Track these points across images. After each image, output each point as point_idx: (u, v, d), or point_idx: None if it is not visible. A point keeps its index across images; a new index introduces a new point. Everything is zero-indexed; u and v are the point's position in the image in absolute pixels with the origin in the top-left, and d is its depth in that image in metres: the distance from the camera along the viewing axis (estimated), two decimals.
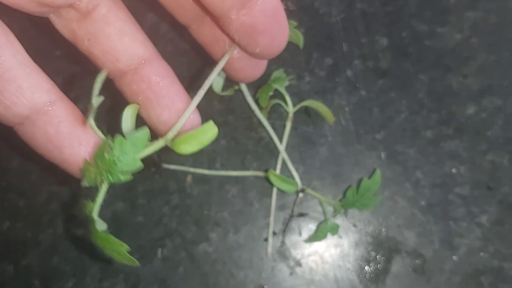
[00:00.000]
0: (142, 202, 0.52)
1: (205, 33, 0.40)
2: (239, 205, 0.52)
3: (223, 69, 0.39)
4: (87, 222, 0.33)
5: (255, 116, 0.53)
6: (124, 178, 0.32)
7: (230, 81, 0.51)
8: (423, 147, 0.52)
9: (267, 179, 0.50)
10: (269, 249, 0.51)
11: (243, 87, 0.53)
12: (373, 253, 0.50)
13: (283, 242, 0.51)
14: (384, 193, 0.51)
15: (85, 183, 0.33)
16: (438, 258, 0.50)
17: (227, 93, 0.53)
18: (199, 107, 0.36)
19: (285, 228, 0.51)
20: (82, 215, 0.33)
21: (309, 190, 0.51)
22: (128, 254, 0.32)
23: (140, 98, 0.37)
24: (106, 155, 0.32)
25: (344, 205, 0.50)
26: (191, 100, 0.37)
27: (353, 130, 0.52)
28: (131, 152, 0.32)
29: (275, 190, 0.52)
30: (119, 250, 0.32)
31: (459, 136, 0.51)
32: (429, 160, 0.51)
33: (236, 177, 0.53)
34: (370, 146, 0.52)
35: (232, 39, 0.37)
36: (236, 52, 0.39)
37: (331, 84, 0.53)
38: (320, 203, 0.51)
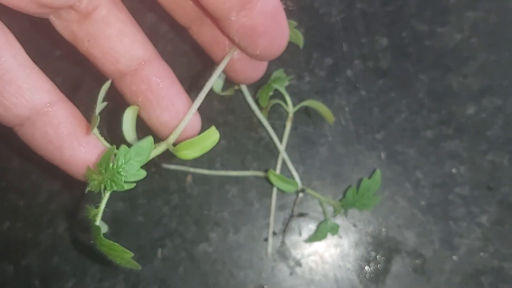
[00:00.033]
0: (142, 202, 0.52)
1: (205, 34, 0.40)
2: (239, 205, 0.52)
3: (223, 71, 0.39)
4: (90, 228, 0.33)
5: (255, 116, 0.53)
6: (128, 187, 0.32)
7: (230, 81, 0.51)
8: (423, 147, 0.52)
9: (267, 179, 0.50)
10: (269, 249, 0.51)
11: (243, 87, 0.53)
12: (373, 253, 0.50)
13: (283, 242, 0.51)
14: (384, 193, 0.51)
15: (89, 189, 0.33)
16: (438, 258, 0.50)
17: (227, 93, 0.53)
18: (199, 107, 0.36)
19: (285, 228, 0.51)
20: (84, 217, 0.33)
21: (309, 190, 0.51)
22: (132, 260, 0.32)
23: (140, 99, 0.37)
24: (110, 164, 0.32)
25: (344, 205, 0.50)
26: (191, 101, 0.36)
27: (353, 130, 0.52)
28: (135, 162, 0.32)
29: (275, 190, 0.52)
30: (124, 256, 0.32)
31: (459, 136, 0.51)
32: (429, 160, 0.51)
33: (236, 177, 0.53)
34: (370, 146, 0.52)
35: (232, 41, 0.37)
36: (236, 53, 0.39)
37: (331, 84, 0.53)
38: (320, 203, 0.51)
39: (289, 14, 0.53)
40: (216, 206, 0.52)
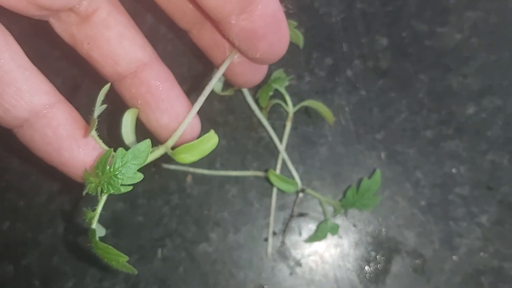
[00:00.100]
0: (142, 202, 0.52)
1: (206, 37, 0.39)
2: (239, 205, 0.52)
3: (223, 74, 0.39)
4: (87, 229, 0.33)
5: (255, 116, 0.53)
6: (124, 190, 0.32)
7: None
8: (423, 147, 0.52)
9: (267, 179, 0.50)
10: (269, 249, 0.51)
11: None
12: (373, 253, 0.50)
13: (283, 242, 0.51)
14: (384, 193, 0.51)
15: (86, 192, 0.33)
16: (438, 258, 0.50)
17: (227, 93, 0.53)
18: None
19: (285, 228, 0.52)
20: (82, 220, 0.33)
21: (309, 190, 0.51)
22: (127, 264, 0.32)
23: (139, 101, 0.36)
24: (107, 167, 0.31)
25: (344, 205, 0.50)
26: (191, 104, 0.36)
27: (353, 130, 0.52)
28: (133, 165, 0.32)
29: (275, 190, 0.52)
30: (119, 260, 0.32)
31: (459, 136, 0.51)
32: (429, 160, 0.51)
33: (236, 177, 0.53)
34: (370, 146, 0.52)
35: (232, 44, 0.37)
36: (236, 57, 0.39)
37: (331, 84, 0.53)
38: (320, 203, 0.51)
39: (289, 14, 0.53)
40: (216, 206, 0.52)
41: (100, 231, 0.32)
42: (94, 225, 0.32)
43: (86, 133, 0.34)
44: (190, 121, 0.36)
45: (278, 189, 0.51)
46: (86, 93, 0.53)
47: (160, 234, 0.52)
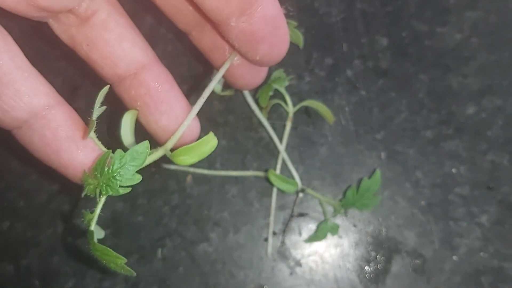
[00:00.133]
0: (142, 202, 0.52)
1: (205, 40, 0.39)
2: (239, 205, 0.52)
3: (223, 76, 0.39)
4: (86, 231, 0.33)
5: (255, 116, 0.53)
6: (123, 191, 0.32)
7: None
8: (423, 147, 0.52)
9: (267, 179, 0.50)
10: (269, 249, 0.51)
11: None
12: (373, 253, 0.50)
13: (283, 242, 0.51)
14: (384, 193, 0.51)
15: (85, 194, 0.33)
16: (438, 258, 0.50)
17: (227, 93, 0.53)
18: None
19: (285, 228, 0.52)
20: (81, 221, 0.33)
21: (309, 190, 0.51)
22: (125, 266, 0.32)
23: (138, 103, 0.36)
24: (105, 168, 0.31)
25: (344, 205, 0.50)
26: (190, 106, 0.36)
27: (353, 130, 0.52)
28: (131, 166, 0.31)
29: (275, 190, 0.52)
30: (117, 262, 0.32)
31: (459, 136, 0.51)
32: (429, 160, 0.51)
33: (236, 177, 0.53)
34: (370, 146, 0.52)
35: (232, 46, 0.36)
36: (236, 59, 0.39)
37: (331, 84, 0.53)
38: (320, 203, 0.51)
39: (289, 15, 0.53)
40: (216, 206, 0.52)
41: (98, 233, 0.32)
42: (93, 227, 0.32)
43: (85, 135, 0.33)
44: (190, 123, 0.36)
45: (278, 189, 0.51)
46: (85, 94, 0.53)
47: (160, 234, 0.52)
